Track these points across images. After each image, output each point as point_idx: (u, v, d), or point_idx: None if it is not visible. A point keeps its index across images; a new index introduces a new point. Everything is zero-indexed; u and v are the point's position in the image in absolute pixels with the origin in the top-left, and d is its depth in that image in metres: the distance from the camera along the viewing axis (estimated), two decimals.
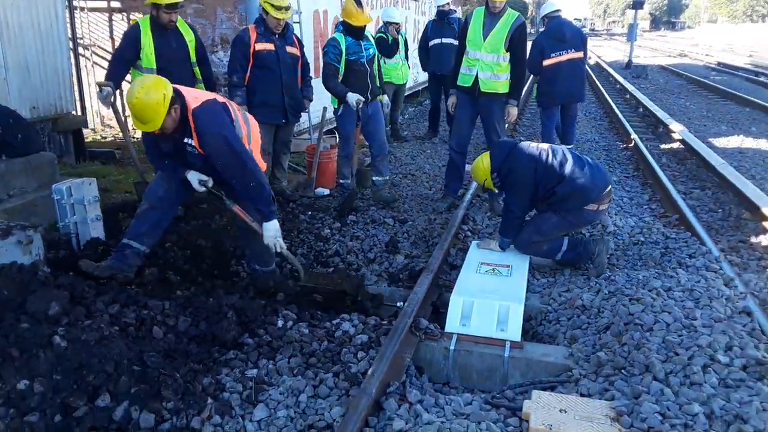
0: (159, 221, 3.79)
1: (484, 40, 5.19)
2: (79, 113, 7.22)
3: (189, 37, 5.12)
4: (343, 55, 5.43)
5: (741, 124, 10.98)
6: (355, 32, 5.46)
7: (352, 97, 5.38)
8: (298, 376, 2.95)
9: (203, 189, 3.61)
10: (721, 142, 9.25)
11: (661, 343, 3.09)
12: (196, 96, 3.45)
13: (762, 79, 18.65)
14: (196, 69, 5.20)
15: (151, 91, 3.20)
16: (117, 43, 8.31)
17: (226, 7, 7.86)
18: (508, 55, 5.19)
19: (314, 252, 4.74)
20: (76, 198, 4.12)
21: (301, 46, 5.58)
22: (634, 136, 9.07)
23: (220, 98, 3.62)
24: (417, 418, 2.66)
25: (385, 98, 6.04)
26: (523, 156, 4.16)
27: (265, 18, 5.19)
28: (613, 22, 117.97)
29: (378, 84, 5.72)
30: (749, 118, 11.66)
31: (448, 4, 8.88)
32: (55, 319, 2.99)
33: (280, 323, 3.39)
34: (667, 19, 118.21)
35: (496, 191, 4.50)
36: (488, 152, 4.36)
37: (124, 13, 8.32)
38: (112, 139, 8.63)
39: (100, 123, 8.79)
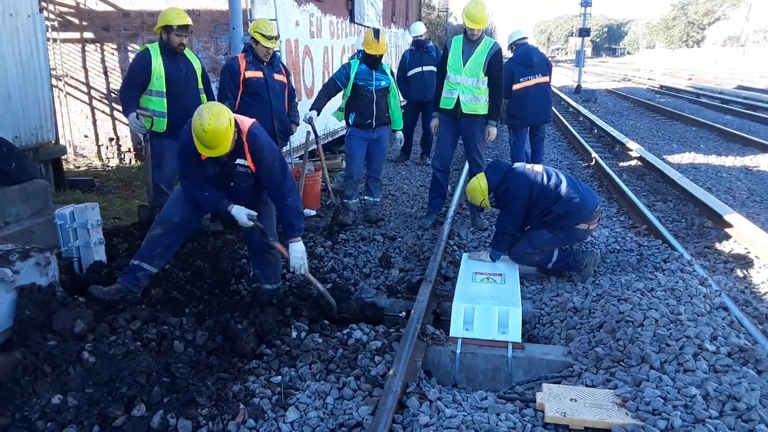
0: (170, 245, 3.92)
1: (464, 65, 5.50)
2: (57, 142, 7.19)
3: (196, 64, 5.25)
4: (351, 78, 5.69)
5: (690, 142, 11.67)
6: (370, 61, 5.75)
7: (312, 113, 5.74)
8: (321, 381, 3.10)
9: (251, 223, 3.71)
10: (674, 158, 9.83)
11: (653, 336, 3.37)
12: (243, 118, 3.64)
13: (703, 100, 19.77)
14: (203, 96, 5.31)
15: (221, 117, 3.32)
16: (89, 74, 8.44)
17: (201, 37, 8.02)
18: (486, 78, 5.50)
19: (311, 270, 4.85)
20: (79, 222, 4.19)
21: (288, 74, 5.79)
22: (594, 155, 9.54)
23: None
24: (439, 413, 2.83)
25: (399, 134, 6.26)
26: (519, 178, 4.43)
27: (254, 47, 5.38)
28: (557, 49, 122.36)
29: (387, 113, 5.94)
30: (696, 136, 12.39)
31: (423, 34, 9.27)
32: (81, 336, 3.08)
33: (294, 334, 3.53)
34: (608, 45, 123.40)
35: (489, 209, 4.73)
36: (483, 173, 4.61)
37: (98, 44, 8.36)
38: (86, 168, 8.59)
39: (73, 152, 8.74)
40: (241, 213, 3.69)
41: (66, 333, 3.06)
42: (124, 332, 3.17)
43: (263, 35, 5.23)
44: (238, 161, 3.62)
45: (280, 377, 3.11)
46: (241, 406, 2.83)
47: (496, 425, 2.73)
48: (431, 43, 9.39)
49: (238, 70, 5.35)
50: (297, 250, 3.79)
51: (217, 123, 3.32)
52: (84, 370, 2.87)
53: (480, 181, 4.57)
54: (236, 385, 2.97)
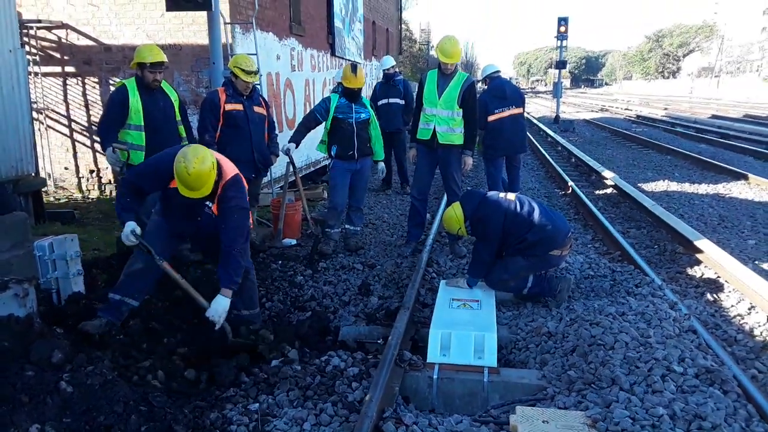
0: (151, 278, 3.97)
1: (439, 98, 5.66)
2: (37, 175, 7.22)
3: (173, 97, 5.34)
4: (331, 112, 5.83)
5: (664, 170, 11.94)
6: (349, 94, 5.89)
7: (290, 145, 5.89)
8: (298, 408, 3.14)
9: (134, 240, 3.66)
10: (649, 186, 10.05)
11: (623, 359, 3.45)
12: (228, 167, 3.76)
13: (678, 129, 20.24)
14: (181, 127, 5.39)
15: (205, 161, 3.46)
16: (70, 107, 8.50)
17: (182, 70, 8.15)
18: (461, 110, 5.66)
19: (290, 298, 4.93)
20: (57, 254, 4.21)
21: (267, 106, 5.90)
22: (571, 183, 9.74)
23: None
24: None
25: (381, 165, 6.37)
26: (493, 206, 4.55)
27: (234, 81, 5.50)
28: (537, 80, 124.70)
29: (368, 145, 6.05)
30: (671, 164, 12.68)
31: (393, 67, 9.51)
32: (58, 366, 3.08)
33: (273, 362, 3.56)
34: (586, 76, 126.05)
35: (466, 237, 4.82)
36: (458, 203, 4.72)
37: (79, 78, 8.45)
38: (66, 200, 8.60)
39: (54, 185, 8.75)
40: (126, 229, 3.65)
41: (44, 363, 3.07)
42: (102, 362, 3.19)
43: (242, 70, 5.35)
44: (207, 202, 3.73)
45: (257, 404, 3.14)
46: None
47: None
48: (400, 76, 9.63)
49: (218, 103, 5.46)
50: (220, 303, 3.65)
51: (201, 167, 3.44)
52: (61, 400, 2.88)
53: (455, 210, 4.67)
54: (213, 413, 3.00)
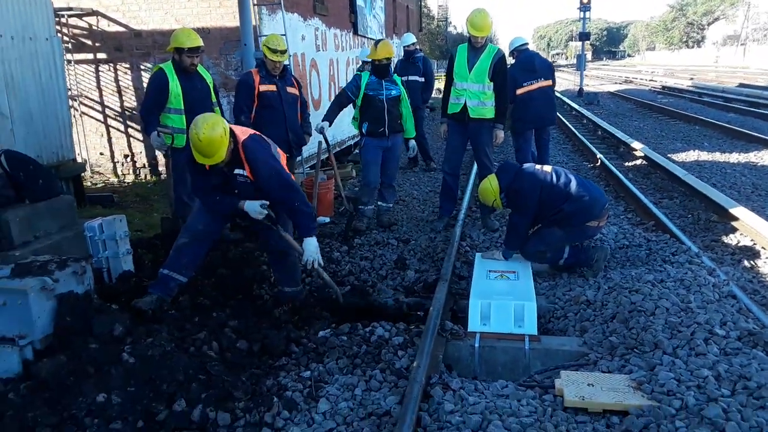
0: (197, 254, 4.08)
1: (470, 72, 5.67)
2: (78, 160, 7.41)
3: (209, 79, 5.44)
4: (362, 89, 5.90)
5: (694, 140, 11.79)
6: (378, 71, 5.94)
7: (324, 124, 5.93)
8: (348, 374, 3.26)
9: (265, 212, 3.83)
10: (679, 157, 9.96)
11: (665, 324, 3.50)
12: (242, 130, 3.81)
13: (706, 99, 19.90)
14: (216, 109, 5.50)
15: (216, 127, 3.51)
16: (103, 93, 8.67)
17: (211, 54, 8.24)
18: (491, 84, 5.67)
19: (329, 273, 5.00)
20: (107, 234, 4.37)
21: (299, 86, 5.97)
22: (600, 155, 9.69)
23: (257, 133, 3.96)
24: (463, 401, 2.97)
25: (412, 143, 6.43)
26: (529, 178, 4.58)
27: (265, 61, 5.58)
28: (557, 54, 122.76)
29: (399, 121, 6.11)
30: (700, 135, 12.51)
31: (414, 44, 9.50)
32: (120, 339, 3.24)
33: (320, 333, 3.68)
34: (608, 48, 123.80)
35: (500, 209, 4.86)
36: (494, 174, 4.77)
37: (111, 64, 8.60)
38: (103, 185, 8.81)
39: (90, 170, 8.96)
40: (253, 205, 3.81)
41: (106, 337, 3.22)
42: (160, 334, 3.33)
43: (270, 49, 5.42)
44: (237, 171, 3.80)
45: (309, 372, 3.26)
46: (275, 399, 2.98)
47: (518, 410, 2.87)
48: (420, 53, 9.61)
49: (252, 85, 5.54)
50: (311, 244, 3.90)
51: (212, 132, 3.49)
52: (125, 370, 3.03)
53: (491, 182, 4.72)
54: (269, 380, 3.13)
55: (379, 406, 2.97)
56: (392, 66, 6.40)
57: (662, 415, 2.72)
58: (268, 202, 3.85)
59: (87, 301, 3.47)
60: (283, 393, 3.05)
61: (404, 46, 9.55)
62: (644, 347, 3.35)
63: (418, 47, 9.93)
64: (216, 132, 3.51)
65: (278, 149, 4.13)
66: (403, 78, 9.22)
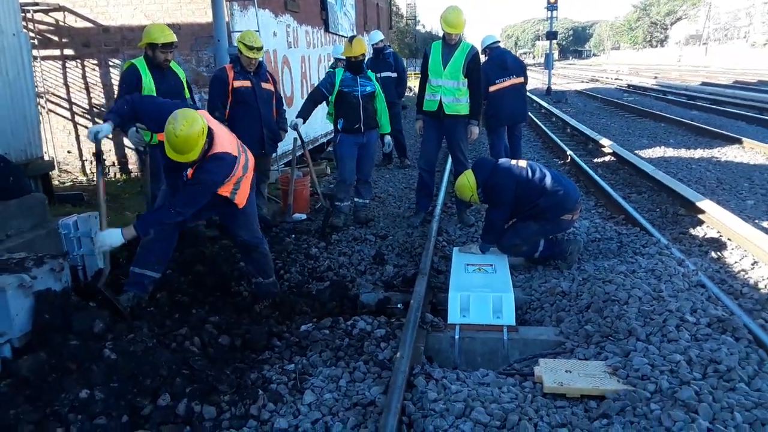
0: (166, 249, 4.05)
1: (444, 69, 5.74)
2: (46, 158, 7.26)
3: (181, 75, 5.38)
4: (336, 86, 5.91)
5: (659, 137, 12.08)
6: (353, 67, 5.96)
7: (298, 120, 5.95)
8: (332, 366, 3.29)
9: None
10: (646, 153, 10.20)
11: (638, 312, 3.61)
12: (223, 143, 3.66)
13: (670, 97, 20.39)
14: (190, 104, 5.44)
15: (194, 124, 3.37)
16: (71, 90, 8.51)
17: (182, 50, 8.12)
18: (466, 80, 5.75)
19: (307, 269, 5.04)
20: (82, 231, 4.32)
21: (274, 82, 5.96)
22: (569, 152, 9.86)
23: (236, 152, 3.80)
24: (446, 389, 3.03)
25: (388, 138, 6.50)
26: (505, 174, 4.66)
27: (240, 57, 5.56)
28: (524, 53, 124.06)
29: (374, 117, 6.15)
30: (665, 132, 12.82)
31: (381, 41, 9.56)
32: (100, 335, 3.21)
33: (302, 327, 3.70)
34: (574, 48, 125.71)
35: (477, 204, 4.93)
36: (471, 170, 4.83)
37: (78, 60, 8.44)
38: (71, 183, 8.65)
39: (57, 169, 8.77)
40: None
41: (86, 333, 3.20)
42: (141, 331, 3.31)
43: (245, 45, 5.40)
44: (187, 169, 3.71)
45: (293, 365, 3.28)
46: (260, 392, 2.99)
47: (500, 397, 2.94)
48: (389, 50, 9.66)
49: (226, 80, 5.52)
50: (111, 234, 3.63)
51: (189, 130, 3.35)
52: (107, 366, 3.01)
53: (468, 178, 4.79)
54: (253, 374, 3.14)
55: (364, 396, 3.01)
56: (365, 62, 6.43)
57: (638, 398, 2.81)
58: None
59: (65, 298, 3.44)
60: (268, 386, 3.07)
61: (373, 44, 9.59)
62: (619, 335, 3.45)
63: (387, 44, 9.97)
64: (193, 130, 3.37)
65: (248, 151, 4.09)
66: (376, 75, 9.28)
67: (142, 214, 3.88)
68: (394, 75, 9.36)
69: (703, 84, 26.31)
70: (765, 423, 2.61)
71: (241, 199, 3.95)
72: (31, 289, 3.27)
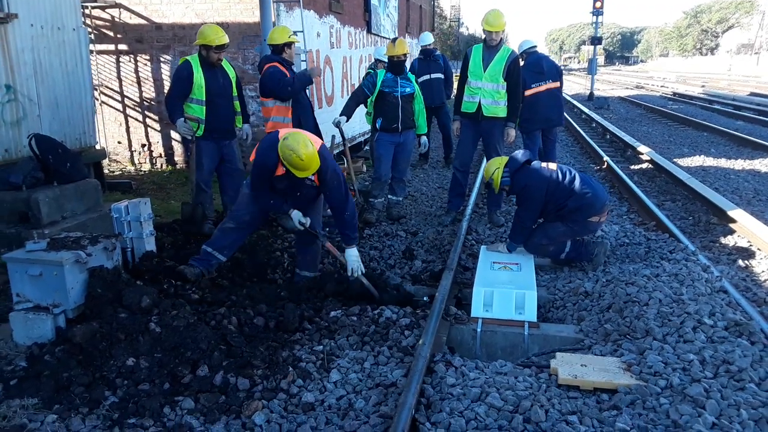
0: (238, 239, 4.50)
1: (485, 71, 5.89)
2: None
3: (232, 74, 5.67)
4: (378, 86, 6.15)
5: (701, 146, 11.95)
6: (394, 67, 6.21)
7: (341, 118, 6.25)
8: (358, 350, 3.49)
9: (301, 228, 4.22)
10: (684, 161, 10.13)
11: (657, 313, 3.71)
12: (314, 138, 4.13)
13: (716, 106, 19.99)
14: (236, 102, 5.73)
15: (308, 144, 3.90)
16: (123, 83, 8.93)
17: (230, 48, 8.44)
18: (505, 83, 5.89)
19: (339, 261, 5.25)
20: (132, 216, 4.60)
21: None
22: (606, 158, 9.87)
23: None
24: (464, 376, 3.20)
25: (424, 139, 6.74)
26: (536, 175, 4.79)
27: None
28: (569, 58, 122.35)
29: (412, 118, 6.38)
30: (707, 141, 12.66)
31: (432, 44, 9.73)
32: (147, 310, 3.48)
33: (332, 313, 3.92)
34: (621, 53, 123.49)
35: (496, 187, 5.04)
36: (506, 157, 5.00)
37: (132, 55, 8.86)
38: (120, 172, 9.07)
39: (107, 158, 9.21)
40: (296, 218, 4.19)
41: (134, 307, 3.47)
42: (184, 308, 3.57)
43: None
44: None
45: (321, 347, 3.50)
46: (290, 369, 3.21)
47: (515, 385, 3.09)
48: (438, 52, 9.84)
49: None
50: (352, 255, 4.33)
51: (308, 150, 3.88)
52: (152, 338, 3.28)
53: (501, 161, 4.95)
54: (285, 352, 3.37)
55: (386, 378, 3.20)
56: (407, 64, 6.63)
57: (648, 392, 2.93)
58: (309, 220, 4.22)
59: (116, 274, 3.73)
60: (298, 363, 3.29)
61: (423, 46, 9.79)
62: (636, 334, 3.57)
63: (435, 46, 10.16)
64: (310, 149, 3.89)
65: (324, 144, 4.41)
66: (425, 77, 9.45)
67: (346, 235, 4.37)
68: (443, 76, 9.54)
69: (752, 94, 25.68)
70: None
71: None
72: (86, 265, 3.57)
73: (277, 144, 3.96)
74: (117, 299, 3.52)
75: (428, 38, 9.77)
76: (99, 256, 3.69)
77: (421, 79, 9.41)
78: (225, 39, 5.39)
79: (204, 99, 5.41)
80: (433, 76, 9.35)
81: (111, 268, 3.75)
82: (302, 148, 3.85)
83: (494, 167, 4.96)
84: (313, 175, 4.08)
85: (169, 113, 5.50)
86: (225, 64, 5.64)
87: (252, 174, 4.29)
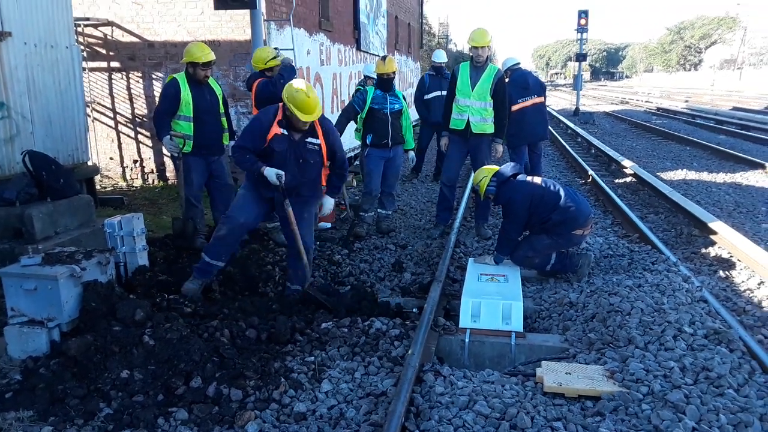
0: (233, 243, 4.60)
1: (472, 90, 6.04)
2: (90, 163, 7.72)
3: (218, 91, 5.77)
4: (368, 103, 6.27)
5: (683, 160, 12.18)
6: (383, 85, 6.34)
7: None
8: (348, 360, 3.57)
9: (278, 182, 4.21)
10: (667, 175, 10.33)
11: (639, 323, 3.82)
12: None
13: (699, 121, 20.35)
14: (223, 119, 5.82)
15: (311, 89, 4.10)
16: (115, 100, 9.02)
17: (221, 65, 8.59)
18: (492, 101, 6.04)
19: (330, 274, 5.36)
20: (125, 231, 4.67)
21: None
22: (591, 172, 10.04)
23: None
24: (452, 385, 3.29)
25: (411, 154, 6.87)
26: (521, 188, 4.93)
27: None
28: (556, 74, 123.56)
29: (401, 133, 6.50)
30: (690, 155, 12.90)
31: (444, 62, 9.93)
32: (141, 323, 3.55)
33: (323, 325, 3.99)
34: (606, 69, 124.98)
35: (483, 193, 5.16)
36: (496, 167, 5.16)
37: (124, 73, 8.95)
38: (112, 188, 9.12)
39: (99, 174, 9.26)
40: (271, 173, 4.20)
41: (128, 321, 3.54)
42: (177, 321, 3.64)
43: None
44: (309, 140, 4.30)
45: (313, 358, 3.58)
46: (282, 380, 3.28)
47: (502, 393, 3.18)
48: (447, 71, 10.02)
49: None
50: (330, 201, 4.75)
51: (314, 92, 4.10)
52: (146, 351, 3.34)
53: (490, 169, 5.12)
54: (277, 363, 3.44)
55: (377, 387, 3.28)
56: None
57: (630, 399, 3.03)
58: (283, 173, 4.20)
59: (110, 288, 3.79)
60: (290, 374, 3.36)
61: (435, 62, 9.97)
62: (619, 342, 3.67)
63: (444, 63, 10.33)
64: (314, 92, 4.11)
65: None
66: (436, 93, 9.57)
67: (333, 186, 4.71)
68: None
69: (734, 109, 26.14)
70: (749, 425, 2.81)
71: None
72: (80, 279, 3.63)
73: (278, 104, 4.21)
74: (111, 313, 3.59)
75: (441, 56, 9.97)
76: (93, 270, 3.76)
77: (431, 95, 9.58)
78: (211, 56, 5.49)
79: (192, 116, 5.50)
80: (444, 93, 9.49)
81: (105, 282, 3.81)
82: (308, 87, 4.06)
83: (483, 175, 5.12)
84: (316, 137, 4.29)
85: (156, 130, 5.60)
86: (212, 82, 5.74)
87: (245, 129, 4.45)
